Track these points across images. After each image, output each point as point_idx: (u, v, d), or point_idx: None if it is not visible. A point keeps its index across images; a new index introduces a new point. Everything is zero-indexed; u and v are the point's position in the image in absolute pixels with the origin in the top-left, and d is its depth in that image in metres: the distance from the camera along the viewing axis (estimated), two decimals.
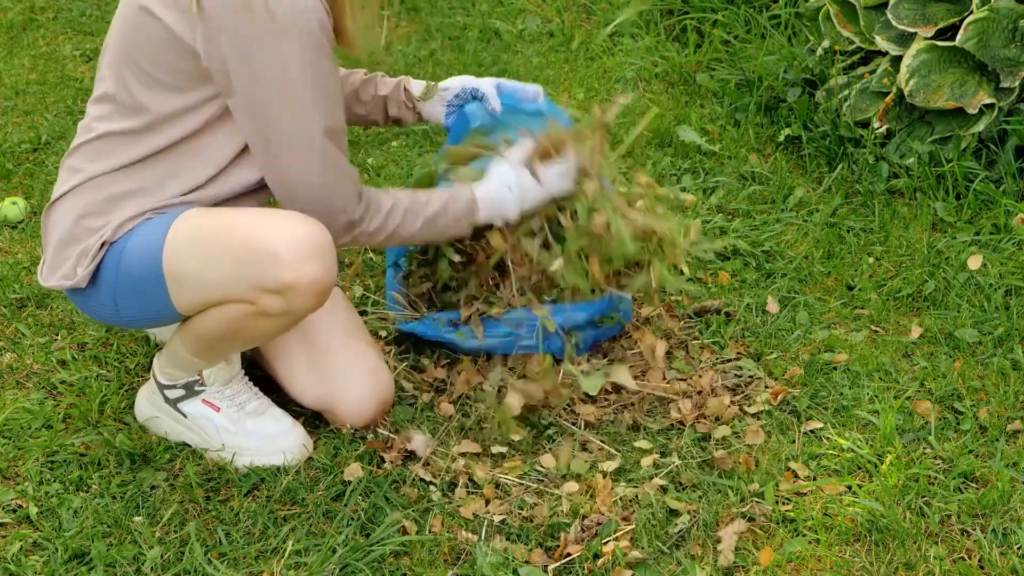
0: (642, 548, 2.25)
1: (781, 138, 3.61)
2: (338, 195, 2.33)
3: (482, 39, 4.40)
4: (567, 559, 2.23)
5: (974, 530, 2.28)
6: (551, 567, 2.22)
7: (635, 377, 2.68)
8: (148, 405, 2.53)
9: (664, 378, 2.70)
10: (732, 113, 3.78)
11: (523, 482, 2.42)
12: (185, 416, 2.48)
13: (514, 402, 2.51)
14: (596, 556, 2.23)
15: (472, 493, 2.39)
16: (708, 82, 3.96)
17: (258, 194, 2.40)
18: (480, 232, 2.60)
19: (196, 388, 2.47)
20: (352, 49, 2.40)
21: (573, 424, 2.57)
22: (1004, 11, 3.29)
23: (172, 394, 2.48)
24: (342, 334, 2.56)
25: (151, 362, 2.70)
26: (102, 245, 2.32)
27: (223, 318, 2.30)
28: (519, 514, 2.34)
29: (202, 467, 2.44)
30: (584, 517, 2.32)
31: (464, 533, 2.29)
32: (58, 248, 2.37)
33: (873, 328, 2.87)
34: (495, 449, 2.49)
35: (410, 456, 2.47)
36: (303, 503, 2.35)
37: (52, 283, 2.38)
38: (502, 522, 2.32)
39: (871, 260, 3.11)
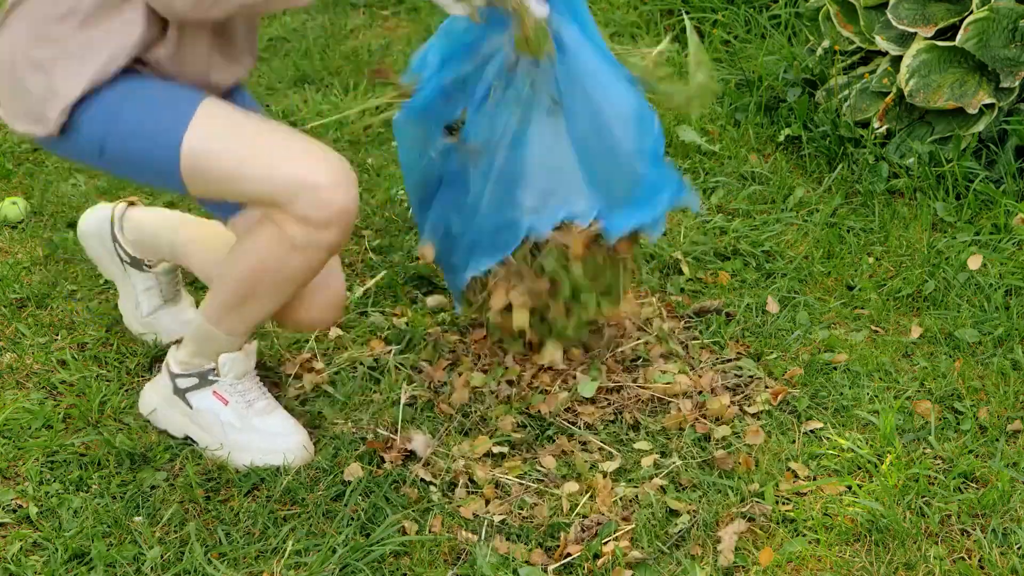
0: (642, 548, 2.25)
1: (781, 138, 3.61)
2: None
3: None
4: (567, 559, 2.23)
5: (974, 530, 2.28)
6: (551, 567, 2.22)
7: (634, 380, 2.69)
8: (154, 396, 2.52)
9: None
10: (732, 113, 3.78)
11: (523, 482, 2.42)
12: (192, 408, 2.47)
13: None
14: (596, 556, 2.23)
15: (472, 493, 2.39)
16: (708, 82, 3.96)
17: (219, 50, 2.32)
18: None
19: (210, 378, 2.46)
20: None
21: (573, 424, 2.57)
22: (1004, 11, 3.29)
23: (184, 383, 2.47)
24: None
25: (150, 362, 2.71)
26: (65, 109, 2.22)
27: (253, 255, 2.29)
28: (519, 514, 2.34)
29: (202, 467, 2.44)
30: (584, 517, 2.32)
31: (464, 533, 2.29)
32: (12, 89, 2.28)
33: (873, 328, 2.87)
34: (495, 449, 2.49)
35: (410, 456, 2.47)
36: (303, 503, 2.35)
37: (20, 129, 2.30)
38: (502, 522, 2.32)
39: (871, 260, 3.11)
